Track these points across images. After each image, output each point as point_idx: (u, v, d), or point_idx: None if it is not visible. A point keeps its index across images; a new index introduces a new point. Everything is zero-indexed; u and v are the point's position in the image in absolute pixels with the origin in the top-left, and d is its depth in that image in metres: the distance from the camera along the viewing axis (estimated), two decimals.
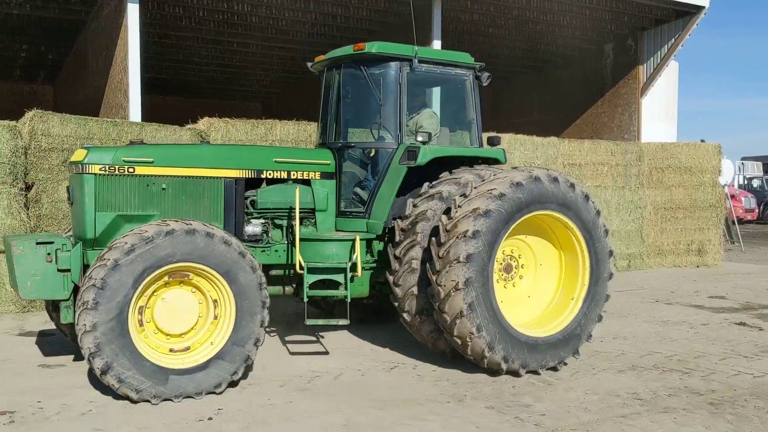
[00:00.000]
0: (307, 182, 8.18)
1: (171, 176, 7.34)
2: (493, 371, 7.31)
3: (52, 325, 9.32)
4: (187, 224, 6.54)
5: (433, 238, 7.26)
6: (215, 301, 6.76)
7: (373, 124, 8.42)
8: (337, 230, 8.31)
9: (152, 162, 7.24)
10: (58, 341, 8.69)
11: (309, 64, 9.08)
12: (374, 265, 8.08)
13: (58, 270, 6.82)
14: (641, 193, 15.67)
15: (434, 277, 7.11)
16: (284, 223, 8.09)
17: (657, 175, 15.76)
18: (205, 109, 14.40)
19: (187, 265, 6.53)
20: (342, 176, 8.37)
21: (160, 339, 6.67)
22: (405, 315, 7.66)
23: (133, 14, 13.83)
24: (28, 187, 10.70)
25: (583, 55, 21.27)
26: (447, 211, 7.45)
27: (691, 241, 16.07)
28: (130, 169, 7.15)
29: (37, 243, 6.76)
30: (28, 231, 10.59)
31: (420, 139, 8.00)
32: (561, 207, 7.46)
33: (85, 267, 6.95)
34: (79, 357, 7.91)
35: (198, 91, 26.45)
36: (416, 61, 8.10)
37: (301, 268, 7.59)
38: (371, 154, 8.30)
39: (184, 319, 6.72)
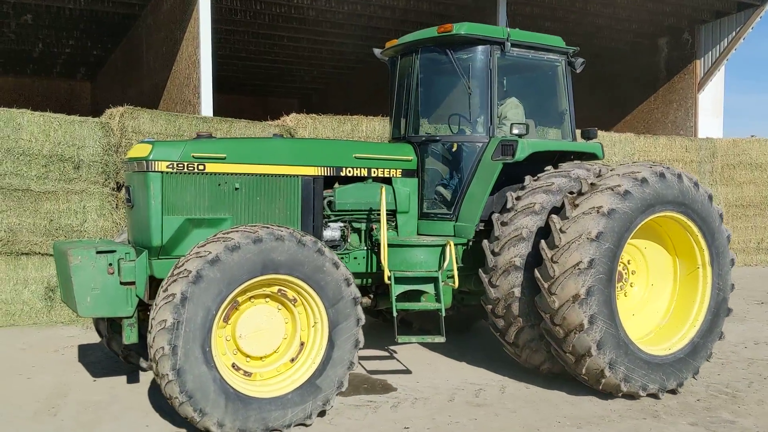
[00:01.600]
0: (387, 181, 7.28)
1: (245, 174, 6.44)
2: (605, 393, 6.47)
3: (85, 340, 8.39)
4: (276, 230, 5.62)
5: (543, 241, 6.38)
6: (301, 318, 5.86)
7: (459, 116, 7.52)
8: (419, 234, 7.41)
9: (224, 158, 6.33)
10: (105, 359, 7.74)
11: (377, 51, 8.19)
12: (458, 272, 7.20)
13: (121, 283, 5.90)
14: (715, 190, 14.99)
15: (546, 285, 6.24)
16: (363, 226, 7.20)
17: (728, 172, 15.19)
18: (242, 106, 13.59)
19: (276, 278, 5.62)
20: (424, 174, 7.48)
21: (240, 362, 5.75)
22: (499, 321, 6.80)
23: (204, 6, 13.10)
24: (119, 188, 10.19)
25: (636, 49, 20.50)
26: (558, 210, 6.58)
27: (761, 239, 15.39)
28: (201, 167, 6.23)
29: (98, 252, 5.83)
30: (120, 233, 10.01)
31: (516, 131, 7.11)
32: (684, 208, 6.61)
33: (150, 279, 6.03)
34: (133, 379, 6.98)
35: (236, 88, 25.38)
36: (508, 44, 7.22)
37: (388, 278, 6.68)
38: (457, 149, 7.41)
39: (268, 341, 5.82)
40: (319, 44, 20.49)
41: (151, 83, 16.61)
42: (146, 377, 7.01)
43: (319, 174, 6.83)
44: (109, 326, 6.94)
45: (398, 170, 7.34)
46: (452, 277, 6.82)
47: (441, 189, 7.53)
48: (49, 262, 9.61)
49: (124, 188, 6.37)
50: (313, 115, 11.63)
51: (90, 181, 9.97)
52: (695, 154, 15.18)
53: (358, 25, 18.64)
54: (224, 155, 6.31)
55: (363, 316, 5.96)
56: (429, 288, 6.93)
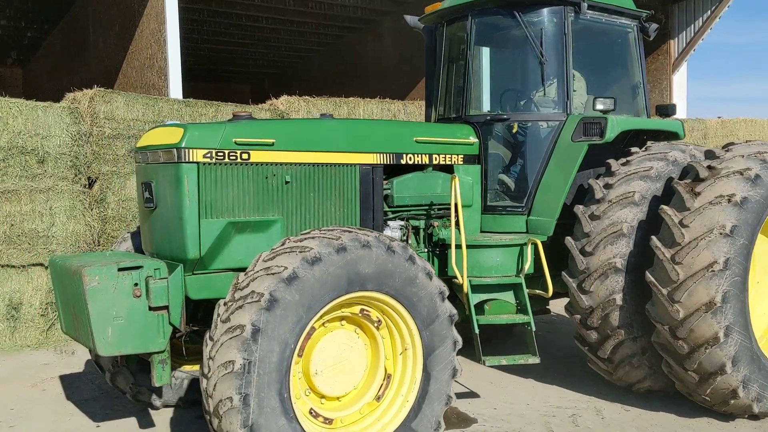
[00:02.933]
0: (448, 169, 6.08)
1: (296, 164, 5.14)
2: (725, 414, 5.50)
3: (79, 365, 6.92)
4: (361, 234, 4.37)
5: (655, 238, 5.32)
6: (385, 344, 4.64)
7: (528, 91, 6.38)
8: (482, 231, 6.25)
9: (273, 144, 5.00)
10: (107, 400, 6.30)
11: (411, 18, 6.95)
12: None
13: (151, 308, 4.52)
14: None
15: (665, 290, 5.19)
16: (421, 224, 5.98)
17: None
18: (194, 93, 12.11)
19: (362, 296, 4.37)
20: (488, 160, 6.30)
21: (315, 405, 4.49)
22: (590, 333, 5.73)
23: None
24: (91, 183, 8.70)
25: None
26: (661, 200, 5.55)
27: None
28: (245, 155, 4.89)
29: (120, 269, 4.43)
30: (95, 238, 8.38)
31: (600, 107, 6.02)
32: None
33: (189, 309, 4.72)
34: (146, 422, 5.60)
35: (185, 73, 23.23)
36: (585, 4, 6.11)
37: (463, 285, 5.51)
38: (527, 130, 6.27)
39: (348, 375, 4.59)
40: (279, 24, 18.96)
41: (101, 67, 14.82)
42: (161, 419, 5.63)
43: (379, 162, 5.58)
44: (118, 358, 5.51)
45: (459, 156, 6.15)
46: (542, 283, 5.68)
47: (507, 177, 6.38)
48: (11, 275, 8.01)
49: (139, 186, 4.95)
50: (307, 97, 10.33)
51: (57, 177, 8.40)
52: (688, 136, 14.49)
53: (327, 3, 17.25)
54: (272, 140, 4.99)
55: (460, 338, 4.77)
56: (508, 296, 5.78)
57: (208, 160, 4.75)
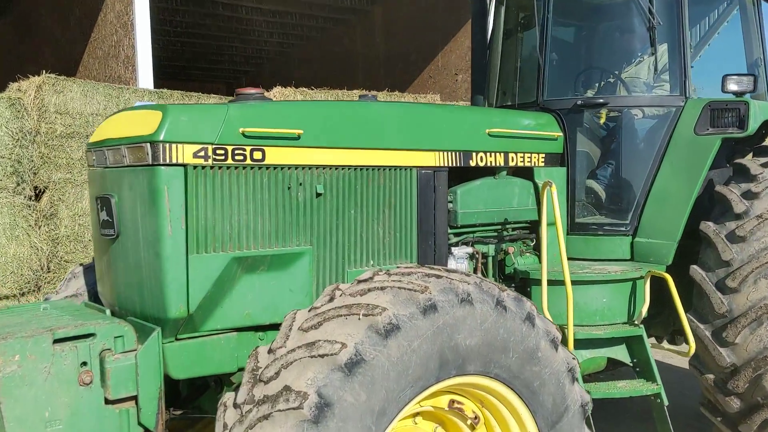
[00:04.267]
0: (526, 173, 4.41)
1: (333, 168, 3.41)
2: None
3: None
4: (457, 281, 2.65)
5: None
6: None
7: (627, 68, 4.74)
8: (569, 259, 4.57)
9: (299, 138, 3.27)
10: None
11: None
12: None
13: (108, 402, 2.78)
14: None
15: None
16: (490, 250, 4.28)
17: None
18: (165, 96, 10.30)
19: (459, 384, 2.67)
20: (575, 160, 4.63)
21: None
22: (730, 401, 4.12)
23: None
24: (38, 195, 6.79)
25: None
26: None
27: None
28: (257, 154, 3.16)
29: (56, 341, 2.68)
30: (42, 264, 6.61)
31: (734, 87, 4.40)
32: None
33: (168, 386, 2.96)
34: None
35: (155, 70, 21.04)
36: None
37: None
38: (630, 119, 4.64)
39: None
40: (259, 14, 17.12)
41: (59, 57, 12.89)
42: None
43: (442, 164, 3.88)
44: None
45: (541, 155, 4.47)
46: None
47: (600, 184, 4.73)
48: None
49: (93, 202, 3.18)
50: (304, 88, 8.61)
51: None
52: None
53: None
54: (299, 131, 3.26)
55: None
56: (621, 353, 4.12)
57: (202, 161, 3.02)
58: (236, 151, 3.11)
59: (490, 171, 4.24)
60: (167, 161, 2.94)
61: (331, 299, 2.61)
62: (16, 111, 6.67)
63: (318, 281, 3.41)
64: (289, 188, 3.29)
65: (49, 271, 7.03)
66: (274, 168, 3.24)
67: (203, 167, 3.03)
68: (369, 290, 2.56)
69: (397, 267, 2.86)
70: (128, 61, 10.33)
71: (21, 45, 15.73)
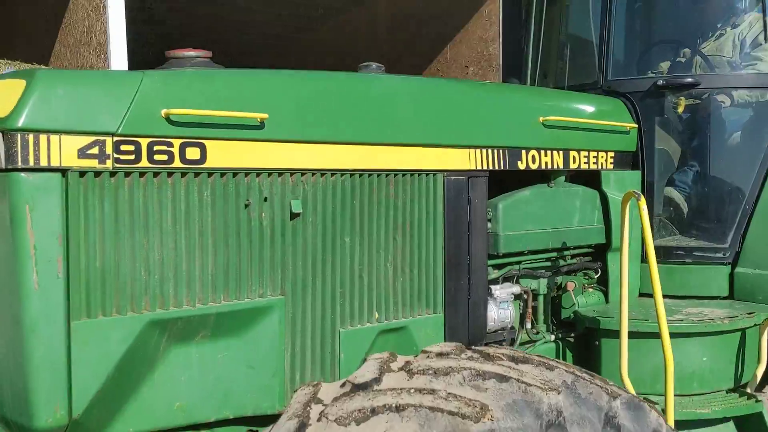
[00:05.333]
0: (592, 178, 3.20)
1: (315, 173, 2.17)
2: None
3: None
4: (542, 383, 1.42)
5: None
6: None
7: (709, 43, 3.55)
8: (642, 295, 3.36)
9: (262, 126, 2.03)
10: None
11: None
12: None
13: None
14: None
15: None
16: (541, 286, 3.06)
17: None
18: None
19: None
20: (653, 162, 3.42)
21: None
22: None
23: None
24: None
25: None
26: None
27: None
28: (192, 152, 1.92)
29: None
30: None
31: None
32: None
33: None
34: None
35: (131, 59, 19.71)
36: None
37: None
38: (722, 108, 3.43)
39: None
40: (252, 2, 15.82)
41: (30, 48, 11.62)
42: None
43: (480, 167, 2.67)
44: None
45: (609, 154, 3.24)
46: None
47: (683, 194, 3.50)
48: None
49: None
50: None
51: None
52: None
53: None
54: (263, 115, 2.03)
55: None
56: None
57: (94, 163, 1.81)
58: (155, 147, 1.90)
59: (541, 176, 3.02)
60: (31, 163, 1.73)
61: (302, 427, 1.39)
62: None
63: (293, 349, 2.20)
64: (246, 206, 2.08)
65: None
66: (221, 174, 2.03)
67: (97, 174, 1.83)
68: (372, 413, 1.34)
69: (424, 352, 1.64)
70: (100, 48, 9.09)
71: None
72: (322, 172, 2.23)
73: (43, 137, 1.74)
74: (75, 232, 1.79)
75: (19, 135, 1.71)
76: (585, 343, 3.11)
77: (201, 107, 1.96)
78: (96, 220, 1.83)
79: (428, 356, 1.61)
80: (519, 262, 2.99)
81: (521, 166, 2.83)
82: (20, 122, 1.72)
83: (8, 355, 1.83)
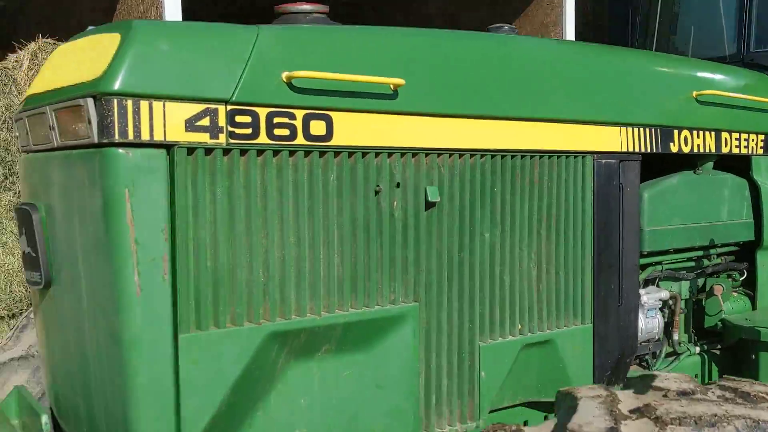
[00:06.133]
0: (742, 165, 2.73)
1: (454, 153, 1.79)
2: None
3: None
4: None
5: None
6: None
7: None
8: None
9: (395, 95, 1.65)
10: None
11: None
12: None
13: None
14: None
15: None
16: (683, 289, 2.62)
17: None
18: None
19: None
20: None
21: None
22: None
23: None
24: None
25: None
26: None
27: None
28: (317, 126, 1.55)
29: None
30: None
31: None
32: None
33: None
34: None
35: None
36: None
37: None
38: None
39: None
40: None
41: (77, 20, 11.36)
42: None
43: (633, 148, 2.24)
44: None
45: (759, 137, 2.78)
46: None
47: None
48: None
49: (16, 215, 1.56)
50: None
51: None
52: None
53: None
54: (398, 81, 1.64)
55: None
56: None
57: (205, 137, 1.43)
58: (275, 120, 1.53)
59: (687, 161, 2.59)
60: (131, 137, 1.38)
61: None
62: (1, 84, 5.22)
63: (427, 366, 1.83)
64: (377, 192, 1.70)
65: None
66: (349, 154, 1.65)
67: (208, 151, 1.46)
68: None
69: (654, 388, 1.24)
70: (156, 10, 8.83)
71: (46, 20, 14.39)
72: (461, 152, 1.84)
73: (144, 104, 1.39)
74: (182, 223, 1.44)
75: (115, 101, 1.36)
76: (733, 356, 2.67)
77: (328, 69, 1.59)
78: (207, 209, 1.47)
79: (665, 395, 1.22)
80: (661, 263, 2.57)
81: (673, 148, 2.40)
82: (116, 85, 1.36)
83: (100, 375, 1.49)
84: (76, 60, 1.54)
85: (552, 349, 2.06)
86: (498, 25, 2.21)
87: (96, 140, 1.39)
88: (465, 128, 1.85)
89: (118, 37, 1.42)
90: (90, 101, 1.38)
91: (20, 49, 6.00)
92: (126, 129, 1.37)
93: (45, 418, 1.77)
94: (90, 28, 1.66)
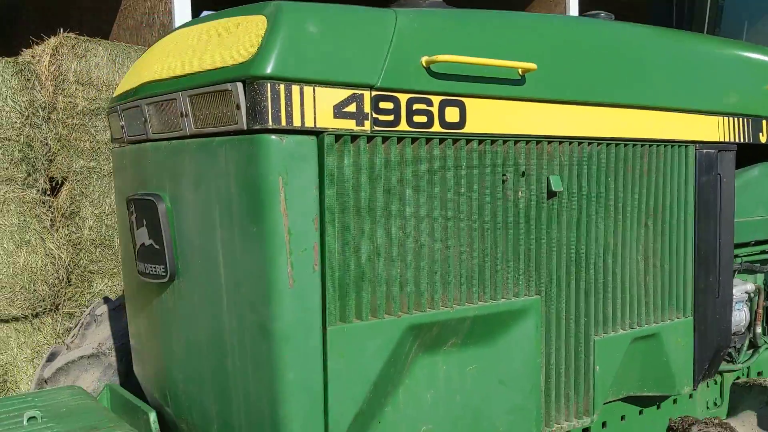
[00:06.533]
0: None
1: (575, 141, 1.75)
2: None
3: None
4: None
5: None
6: None
7: None
8: None
9: (522, 81, 1.62)
10: None
11: None
12: None
13: None
14: None
15: None
16: (760, 281, 2.60)
17: None
18: None
19: None
20: None
21: None
22: None
23: None
24: (55, 188, 5.32)
25: None
26: None
27: None
28: (451, 113, 1.53)
29: None
30: (61, 277, 5.11)
31: None
32: None
33: None
34: None
35: None
36: None
37: None
38: None
39: None
40: None
41: (85, 31, 11.29)
42: None
43: (730, 138, 2.21)
44: None
45: None
46: None
47: None
48: None
49: (122, 206, 1.48)
50: None
51: None
52: None
53: None
54: (529, 65, 1.60)
55: None
56: None
57: (352, 124, 1.38)
58: (415, 106, 1.48)
59: (764, 153, 2.56)
60: (283, 123, 1.32)
61: None
62: (25, 79, 5.13)
63: (548, 361, 1.78)
64: (503, 181, 1.65)
65: (69, 285, 5.50)
66: (479, 142, 1.60)
67: (353, 138, 1.41)
68: None
69: None
70: (164, 29, 8.74)
71: (42, 18, 14.22)
72: (579, 140, 1.80)
73: (295, 89, 1.34)
74: (330, 213, 1.39)
75: (268, 85, 1.31)
76: None
77: (464, 53, 1.54)
78: (351, 198, 1.42)
79: None
80: (740, 255, 2.54)
81: (762, 139, 2.37)
82: (269, 68, 1.31)
83: (241, 370, 1.43)
84: (206, 45, 1.48)
85: (657, 343, 2.02)
86: (594, 12, 2.17)
87: (245, 126, 1.33)
88: (583, 116, 1.81)
89: (264, 19, 1.36)
90: (239, 86, 1.32)
91: (37, 44, 5.93)
92: (279, 115, 1.32)
93: (153, 416, 1.72)
94: (207, 13, 1.60)
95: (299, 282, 1.34)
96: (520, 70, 1.63)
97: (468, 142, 1.59)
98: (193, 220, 1.50)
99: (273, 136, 1.32)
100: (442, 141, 1.54)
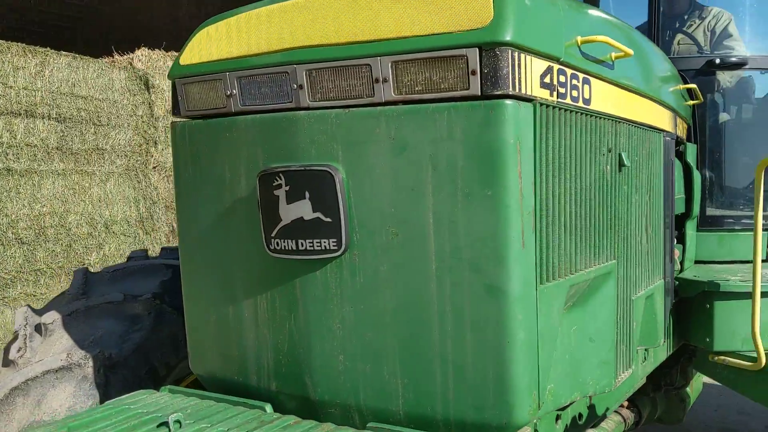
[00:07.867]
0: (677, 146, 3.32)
1: (634, 125, 2.05)
2: None
3: None
4: None
5: None
6: None
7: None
8: (697, 262, 3.54)
9: (613, 67, 1.84)
10: None
11: None
12: None
13: None
14: None
15: None
16: None
17: None
18: None
19: None
20: (706, 132, 3.63)
21: None
22: None
23: None
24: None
25: None
26: None
27: None
28: (586, 89, 1.68)
29: None
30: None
31: None
32: None
33: None
34: None
35: None
36: None
37: None
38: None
39: None
40: None
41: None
42: None
43: (672, 129, 2.66)
44: None
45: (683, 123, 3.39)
46: None
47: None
48: None
49: (266, 183, 1.41)
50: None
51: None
52: None
53: None
54: (629, 52, 1.81)
55: None
56: None
57: (546, 94, 1.48)
58: (573, 81, 1.60)
59: None
60: (516, 90, 1.36)
61: None
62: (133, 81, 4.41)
63: (618, 319, 2.00)
64: (605, 154, 1.84)
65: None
66: (599, 117, 1.77)
67: (548, 107, 1.49)
68: None
69: None
70: None
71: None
72: (631, 123, 2.04)
73: (524, 57, 1.38)
74: (540, 177, 1.45)
75: (509, 51, 1.34)
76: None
77: (605, 33, 1.69)
78: (548, 160, 1.49)
79: None
80: None
81: (679, 131, 2.83)
82: (508, 35, 1.35)
83: (453, 337, 1.42)
84: (409, 8, 1.42)
85: (650, 301, 2.32)
86: None
87: (479, 92, 1.34)
88: (633, 103, 2.04)
89: None
90: (475, 51, 1.33)
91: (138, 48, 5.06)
92: (515, 81, 1.36)
93: (269, 407, 1.61)
94: None
95: (527, 243, 1.39)
96: (612, 55, 1.82)
97: (591, 116, 1.73)
98: (379, 189, 1.45)
99: (509, 102, 1.35)
100: (579, 114, 1.67)
